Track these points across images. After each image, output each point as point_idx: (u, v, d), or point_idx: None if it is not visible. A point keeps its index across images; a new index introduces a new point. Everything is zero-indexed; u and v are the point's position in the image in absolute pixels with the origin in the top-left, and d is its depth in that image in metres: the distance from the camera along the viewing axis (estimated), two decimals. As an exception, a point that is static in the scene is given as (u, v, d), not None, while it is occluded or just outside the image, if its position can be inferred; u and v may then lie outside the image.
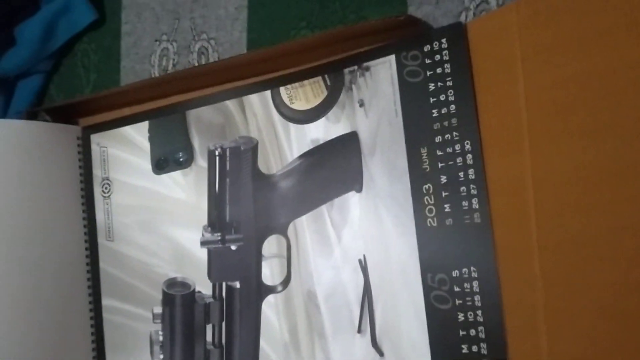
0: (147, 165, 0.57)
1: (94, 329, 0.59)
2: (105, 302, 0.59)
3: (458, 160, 0.42)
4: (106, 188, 0.60)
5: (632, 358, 0.34)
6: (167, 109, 0.57)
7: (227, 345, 0.52)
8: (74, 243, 0.60)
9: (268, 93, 0.51)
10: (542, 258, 0.38)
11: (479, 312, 0.40)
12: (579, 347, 0.36)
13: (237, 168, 0.51)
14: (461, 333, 0.41)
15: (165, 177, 0.56)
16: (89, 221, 0.60)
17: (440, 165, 0.43)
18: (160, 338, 0.55)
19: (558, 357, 0.37)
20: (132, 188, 0.58)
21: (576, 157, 0.36)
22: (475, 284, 0.41)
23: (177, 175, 0.55)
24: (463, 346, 0.41)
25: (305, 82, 0.49)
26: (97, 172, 0.60)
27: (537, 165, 0.38)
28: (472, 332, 0.40)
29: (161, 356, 0.55)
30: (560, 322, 0.37)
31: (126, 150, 0.59)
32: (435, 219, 0.43)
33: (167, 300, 0.55)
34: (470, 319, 0.41)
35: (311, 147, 0.49)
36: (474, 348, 0.40)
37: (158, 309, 0.55)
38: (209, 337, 0.53)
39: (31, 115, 0.61)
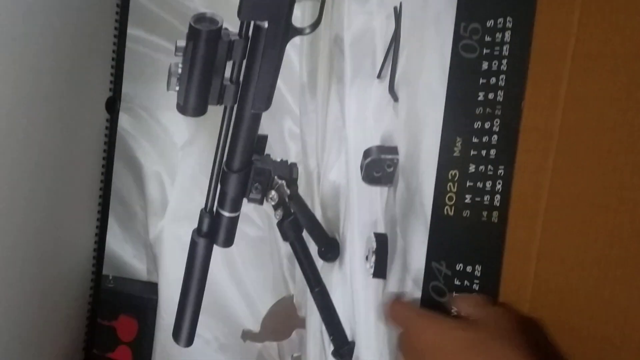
0: None
1: (115, 56, 0.60)
2: (131, 31, 0.59)
3: None
4: None
5: None
6: None
7: (245, 82, 0.52)
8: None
9: None
10: (584, 7, 0.37)
11: (504, 62, 0.40)
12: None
13: None
14: (481, 81, 0.41)
15: None
16: (127, -52, 0.59)
17: None
18: (179, 70, 0.55)
19: (577, 97, 0.37)
20: None
21: None
22: (507, 34, 0.40)
23: None
24: (480, 94, 0.41)
25: None
26: None
27: None
28: (493, 80, 0.41)
29: (177, 88, 0.55)
30: (588, 68, 0.37)
31: None
32: (482, -30, 0.42)
33: (193, 34, 0.54)
34: (494, 68, 0.41)
35: None
36: (491, 95, 0.41)
37: (182, 42, 0.55)
38: (227, 74, 0.53)
39: None
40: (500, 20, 0.41)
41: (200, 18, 0.54)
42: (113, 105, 0.60)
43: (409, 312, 0.39)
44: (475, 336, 0.34)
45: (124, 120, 0.60)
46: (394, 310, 0.41)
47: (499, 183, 0.40)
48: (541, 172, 0.38)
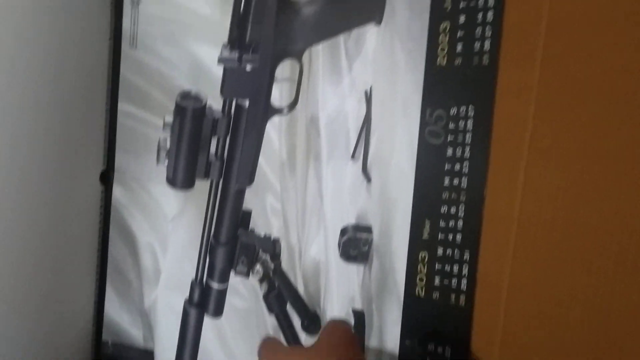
0: (178, -22, 0.58)
1: (107, 130, 0.62)
2: (121, 106, 0.62)
3: (479, 1, 0.42)
4: (136, -3, 0.61)
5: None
6: None
7: (229, 158, 0.54)
8: (98, 47, 0.62)
9: None
10: (538, 100, 0.39)
11: (467, 149, 0.42)
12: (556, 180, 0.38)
13: (264, -11, 0.52)
14: (447, 167, 0.43)
15: (194, -8, 0.57)
16: (115, 27, 0.62)
17: (461, 4, 0.43)
18: (168, 145, 0.57)
19: (533, 188, 0.39)
20: (161, -1, 0.59)
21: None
22: (469, 122, 0.42)
23: (205, -10, 0.56)
24: (446, 179, 0.43)
25: None
26: (129, -20, 0.61)
27: (555, 8, 0.38)
28: (457, 166, 0.42)
29: (166, 162, 0.58)
30: (544, 159, 0.38)
31: (160, -40, 0.59)
32: (445, 59, 0.43)
33: (179, 110, 0.57)
34: (458, 154, 0.42)
35: (340, -24, 0.49)
36: (455, 181, 0.42)
37: (169, 118, 0.57)
38: (212, 149, 0.55)
39: None
40: (463, 108, 0.42)
41: (185, 95, 0.57)
42: (107, 177, 0.62)
43: None
44: None
45: (117, 192, 0.62)
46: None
47: (465, 267, 0.41)
48: (503, 259, 0.39)
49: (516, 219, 0.39)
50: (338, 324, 0.43)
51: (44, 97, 0.57)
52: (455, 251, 0.42)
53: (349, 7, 0.48)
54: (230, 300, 0.54)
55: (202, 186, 0.56)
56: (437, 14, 0.44)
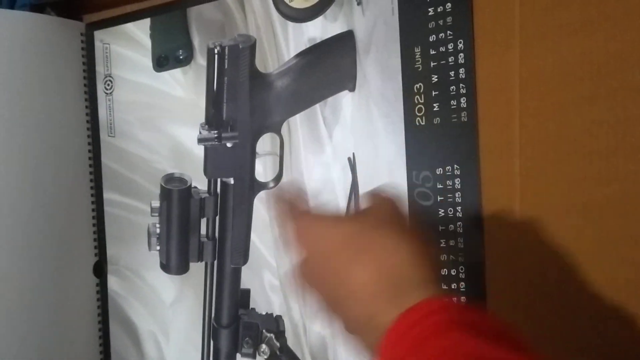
0: (148, 62, 0.58)
1: (96, 221, 0.62)
2: (107, 195, 0.61)
3: (450, 60, 0.42)
4: (108, 85, 0.61)
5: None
6: (168, 6, 0.56)
7: (220, 238, 0.54)
8: (77, 138, 0.61)
9: (268, -9, 0.51)
10: (522, 155, 0.38)
11: (459, 209, 0.41)
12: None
13: (234, 66, 0.51)
14: (440, 228, 0.42)
15: (165, 75, 0.57)
16: (92, 117, 0.62)
17: (432, 64, 0.43)
18: (158, 230, 0.57)
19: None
20: (134, 85, 0.59)
21: (563, 54, 0.36)
22: (457, 181, 0.41)
23: (176, 72, 0.56)
24: (441, 240, 0.42)
25: (305, -21, 0.49)
26: (100, 69, 0.61)
27: (525, 62, 0.38)
28: (451, 227, 0.41)
29: (158, 247, 0.57)
30: (535, 216, 0.38)
31: (128, 47, 0.59)
32: (423, 118, 0.43)
33: (165, 194, 0.56)
34: (450, 214, 0.42)
35: (308, 46, 0.49)
36: (452, 242, 0.41)
37: (156, 203, 0.57)
38: (203, 230, 0.54)
39: (37, 8, 0.61)
40: (449, 167, 0.42)
41: (170, 178, 0.56)
42: (101, 269, 0.61)
43: (294, 211, 0.37)
44: (353, 229, 0.32)
45: (113, 282, 0.61)
46: (281, 209, 0.38)
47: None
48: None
49: (520, 283, 0.38)
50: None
51: (29, 198, 0.56)
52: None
53: (321, 77, 0.48)
54: (240, 384, 0.53)
55: (197, 267, 0.55)
56: (409, 76, 0.43)
